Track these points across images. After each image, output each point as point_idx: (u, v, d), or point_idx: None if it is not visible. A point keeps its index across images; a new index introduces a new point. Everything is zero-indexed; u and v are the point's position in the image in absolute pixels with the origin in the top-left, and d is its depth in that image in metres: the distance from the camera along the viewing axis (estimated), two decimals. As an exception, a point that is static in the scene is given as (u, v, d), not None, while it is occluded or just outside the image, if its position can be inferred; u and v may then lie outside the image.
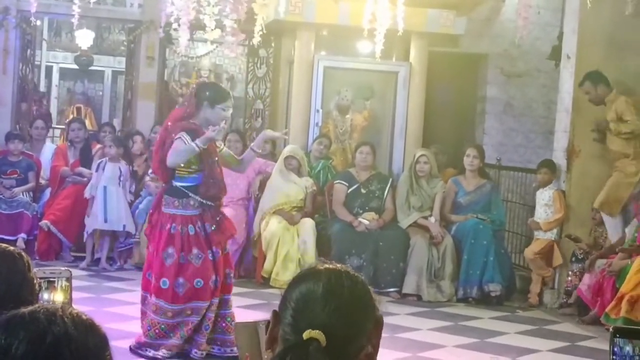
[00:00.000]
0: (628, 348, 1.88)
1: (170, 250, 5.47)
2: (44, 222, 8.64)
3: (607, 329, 6.40)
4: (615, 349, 1.88)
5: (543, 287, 8.32)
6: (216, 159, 5.59)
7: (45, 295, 2.25)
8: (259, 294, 7.68)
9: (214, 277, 5.49)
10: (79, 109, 16.03)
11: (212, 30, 7.30)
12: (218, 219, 5.55)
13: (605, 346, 2.36)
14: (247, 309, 6.82)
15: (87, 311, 1.51)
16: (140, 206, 8.65)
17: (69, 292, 2.31)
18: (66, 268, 2.40)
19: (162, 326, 5.48)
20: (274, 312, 1.73)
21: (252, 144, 6.03)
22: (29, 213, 8.79)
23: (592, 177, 8.13)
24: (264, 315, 1.79)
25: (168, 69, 13.41)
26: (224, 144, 5.97)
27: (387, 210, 8.53)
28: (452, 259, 8.25)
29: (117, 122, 12.54)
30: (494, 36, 10.66)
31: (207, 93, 5.59)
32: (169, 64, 13.72)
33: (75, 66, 15.89)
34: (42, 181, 9.34)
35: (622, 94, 7.85)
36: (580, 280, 7.71)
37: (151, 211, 5.80)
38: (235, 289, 7.52)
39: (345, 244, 8.24)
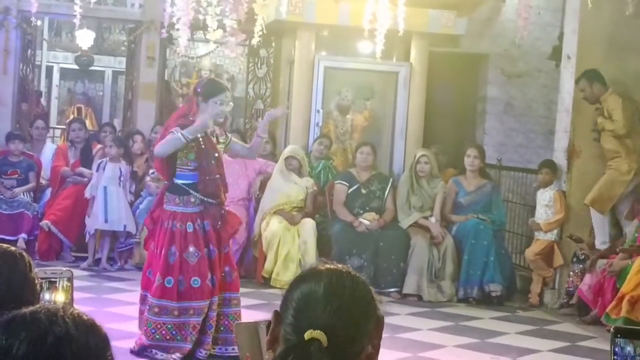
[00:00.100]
0: (629, 348, 1.88)
1: (173, 248, 5.47)
2: (45, 222, 8.64)
3: (608, 329, 6.40)
4: (616, 349, 1.88)
5: (543, 287, 8.32)
6: (216, 155, 5.56)
7: (46, 296, 2.25)
8: (260, 294, 7.68)
9: (209, 276, 5.48)
10: (79, 109, 16.03)
11: (214, 30, 7.29)
12: (221, 216, 5.54)
13: (606, 346, 2.36)
14: (247, 309, 6.81)
15: (87, 311, 1.51)
16: (141, 206, 8.65)
17: (71, 292, 2.31)
18: (67, 268, 2.40)
19: (169, 326, 5.45)
20: (275, 312, 1.73)
21: (257, 130, 5.99)
22: (30, 213, 8.80)
23: (592, 177, 8.12)
24: (264, 315, 1.79)
25: (168, 69, 13.41)
26: (229, 137, 5.88)
27: (388, 211, 8.53)
28: (453, 259, 8.25)
29: (117, 122, 12.54)
30: (494, 36, 10.66)
31: (202, 89, 5.63)
32: (170, 64, 13.73)
33: (75, 66, 15.88)
34: (43, 181, 9.34)
35: (621, 94, 7.84)
36: (581, 280, 7.71)
37: (153, 208, 5.83)
38: (239, 293, 7.56)
39: (345, 244, 8.24)
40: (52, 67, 16.38)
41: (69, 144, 9.44)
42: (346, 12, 8.84)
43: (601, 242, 7.94)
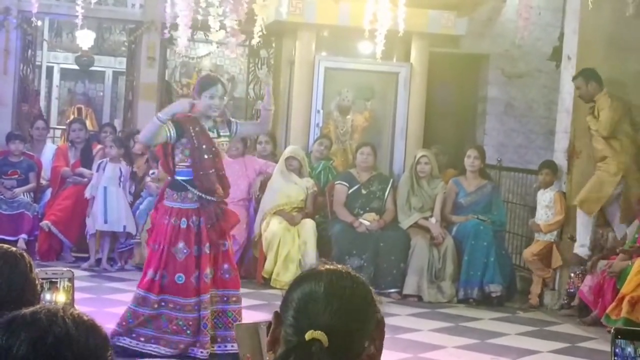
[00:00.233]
0: (629, 349, 1.88)
1: (163, 243, 5.51)
2: (45, 223, 8.64)
3: (608, 330, 6.41)
4: (617, 350, 1.88)
5: (544, 288, 8.32)
6: (213, 149, 5.55)
7: (47, 296, 2.25)
8: (260, 294, 7.68)
9: (196, 273, 5.49)
10: (79, 110, 16.04)
11: (216, 31, 7.29)
12: (216, 215, 5.54)
13: (606, 347, 2.36)
14: (247, 309, 6.80)
15: (88, 312, 1.51)
16: (141, 207, 8.65)
17: (71, 292, 2.31)
18: (68, 269, 2.40)
19: (146, 317, 5.51)
20: (276, 313, 1.73)
21: (263, 104, 5.95)
22: (30, 213, 8.80)
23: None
24: (264, 315, 1.80)
25: (169, 69, 13.43)
26: (234, 128, 5.83)
27: (388, 211, 8.53)
28: (453, 260, 8.25)
29: (117, 123, 12.54)
30: (494, 37, 10.66)
31: (197, 84, 5.75)
32: (170, 64, 13.74)
33: (76, 67, 15.89)
34: (43, 182, 9.34)
35: (613, 95, 7.80)
36: (582, 281, 7.71)
37: (156, 202, 5.92)
38: (240, 291, 7.56)
39: (345, 245, 8.24)
40: (52, 67, 16.39)
41: (69, 144, 9.44)
42: (346, 13, 8.84)
43: (580, 245, 7.91)
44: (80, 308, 1.57)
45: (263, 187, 8.60)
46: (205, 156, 5.52)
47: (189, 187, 5.51)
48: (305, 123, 9.12)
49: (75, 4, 7.70)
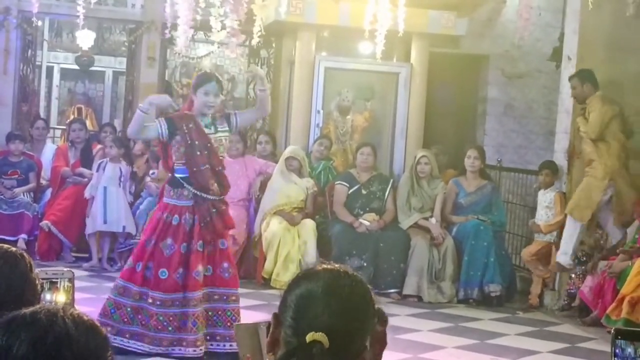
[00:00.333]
0: (629, 350, 1.88)
1: (153, 237, 5.56)
2: (45, 223, 8.64)
3: (608, 331, 6.41)
4: (617, 351, 1.88)
5: (543, 288, 8.32)
6: (208, 145, 5.56)
7: (47, 296, 2.25)
8: (260, 294, 7.68)
9: (181, 271, 5.50)
10: (79, 110, 16.03)
11: (218, 31, 7.30)
12: (210, 214, 5.54)
13: (606, 348, 2.36)
14: (247, 309, 6.81)
15: (88, 312, 1.51)
16: (141, 207, 8.65)
17: (72, 293, 2.31)
18: (69, 269, 2.40)
19: (128, 309, 5.53)
20: (275, 314, 1.73)
21: (257, 88, 5.91)
22: (30, 213, 8.80)
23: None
24: (264, 315, 1.79)
25: (169, 69, 13.42)
26: (233, 122, 5.81)
27: (388, 211, 8.53)
28: (453, 260, 8.25)
29: (117, 123, 12.53)
30: (495, 37, 10.66)
31: (193, 81, 5.79)
32: (170, 64, 13.74)
33: (76, 66, 15.89)
34: (43, 181, 9.34)
35: (605, 98, 7.74)
36: (582, 282, 7.71)
37: (157, 202, 6.01)
38: (238, 290, 7.54)
39: (345, 245, 8.24)
40: (52, 67, 16.38)
41: (69, 144, 9.44)
42: (346, 13, 8.83)
43: (563, 252, 7.84)
44: (80, 308, 1.57)
45: (263, 187, 8.60)
46: (198, 152, 5.54)
47: (185, 184, 5.55)
48: (305, 123, 9.12)
49: (75, 4, 7.70)
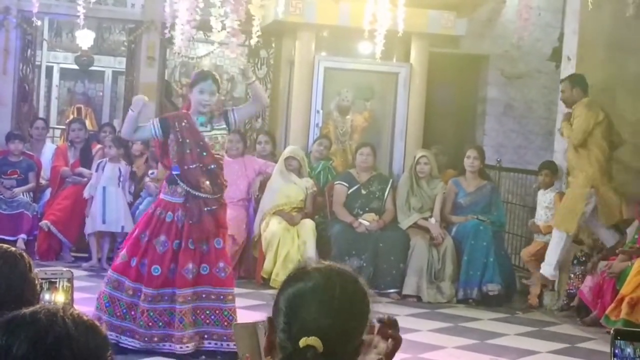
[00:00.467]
0: (629, 350, 1.88)
1: (147, 232, 5.57)
2: (44, 222, 8.65)
3: (607, 331, 6.41)
4: (616, 351, 1.88)
5: (543, 288, 8.31)
6: (201, 143, 5.57)
7: (46, 296, 2.25)
8: (259, 294, 7.67)
9: (172, 267, 5.52)
10: (79, 109, 16.03)
11: (218, 32, 7.29)
12: (201, 212, 5.54)
13: (606, 348, 2.37)
14: (247, 309, 6.82)
15: (87, 312, 1.51)
16: (141, 207, 8.64)
17: (71, 293, 2.31)
18: (68, 269, 2.39)
19: (122, 303, 5.55)
20: (269, 318, 1.72)
21: (247, 81, 5.96)
22: (29, 213, 8.80)
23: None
24: (263, 315, 1.79)
25: (168, 69, 13.42)
26: (231, 120, 5.80)
27: (388, 211, 8.53)
28: (452, 260, 8.25)
29: (117, 123, 12.52)
30: (494, 37, 10.66)
31: (190, 80, 5.86)
32: (170, 64, 13.74)
33: (75, 66, 15.87)
34: (43, 181, 9.34)
35: (591, 104, 7.68)
36: (581, 282, 7.71)
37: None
38: (235, 290, 7.52)
39: (345, 245, 8.24)
40: (52, 67, 16.38)
41: (69, 144, 9.44)
42: (346, 13, 8.83)
43: (547, 263, 7.78)
44: (79, 308, 1.57)
45: (262, 187, 8.60)
46: (188, 151, 5.57)
47: (179, 181, 5.59)
48: (304, 123, 9.12)
49: (75, 3, 7.69)
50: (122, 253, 5.69)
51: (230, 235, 6.54)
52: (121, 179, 8.54)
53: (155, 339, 5.54)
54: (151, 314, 5.52)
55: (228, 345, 5.50)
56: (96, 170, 8.60)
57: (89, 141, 9.44)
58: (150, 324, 5.52)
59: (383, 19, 7.21)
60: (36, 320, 1.43)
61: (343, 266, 1.77)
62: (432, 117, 9.83)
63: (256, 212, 8.50)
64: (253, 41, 8.05)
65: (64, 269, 2.36)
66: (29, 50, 10.60)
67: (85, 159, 9.11)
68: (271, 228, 8.21)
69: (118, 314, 5.55)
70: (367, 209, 8.51)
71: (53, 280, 2.29)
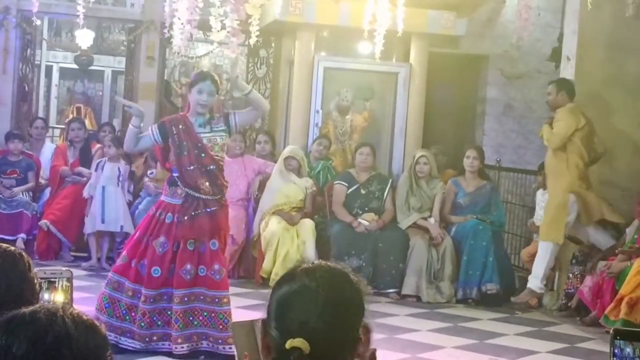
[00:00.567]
0: (628, 350, 1.88)
1: (147, 233, 5.59)
2: (44, 222, 8.65)
3: (607, 331, 6.41)
4: (616, 351, 1.88)
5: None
6: (199, 145, 5.57)
7: (45, 296, 2.25)
8: (258, 294, 7.67)
9: (171, 267, 5.52)
10: (78, 109, 16.02)
11: (218, 31, 7.29)
12: (194, 213, 5.53)
13: (605, 348, 2.37)
14: (246, 309, 6.82)
15: (87, 311, 1.51)
16: (140, 207, 8.64)
17: (70, 292, 2.31)
18: (67, 268, 2.39)
19: (122, 304, 5.55)
20: (262, 321, 1.72)
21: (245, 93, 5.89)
22: (29, 213, 8.80)
23: (591, 178, 8.11)
24: (262, 315, 1.78)
25: (168, 69, 13.41)
26: (232, 122, 5.77)
27: (387, 211, 8.53)
28: (452, 260, 8.26)
29: (116, 122, 12.54)
30: (494, 37, 10.66)
31: (190, 80, 5.85)
32: (169, 64, 13.73)
33: (75, 66, 15.86)
34: (42, 181, 9.34)
35: (574, 110, 7.62)
36: (581, 282, 7.71)
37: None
38: (234, 289, 7.53)
39: (344, 245, 8.24)
40: (51, 66, 16.37)
41: (68, 143, 9.44)
42: (346, 13, 8.83)
43: (534, 276, 7.72)
44: (79, 307, 1.56)
45: (262, 186, 8.60)
46: (185, 153, 5.58)
47: (179, 183, 5.59)
48: (304, 123, 9.12)
49: (74, 3, 7.69)
50: (123, 255, 5.71)
51: (230, 235, 6.52)
52: (120, 179, 8.54)
53: (155, 337, 5.56)
54: (151, 314, 5.53)
55: (224, 348, 5.51)
56: (95, 170, 8.60)
57: (88, 141, 9.44)
58: (150, 324, 5.54)
59: (383, 19, 7.20)
60: (36, 319, 1.43)
61: (337, 265, 1.74)
62: (431, 117, 9.84)
63: (255, 212, 8.50)
64: (252, 41, 8.05)
65: (64, 269, 2.36)
66: (29, 50, 10.60)
67: (85, 159, 9.11)
68: (270, 228, 8.21)
69: (118, 314, 5.56)
70: (366, 208, 8.51)
71: (52, 279, 2.29)
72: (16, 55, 10.08)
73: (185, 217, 5.53)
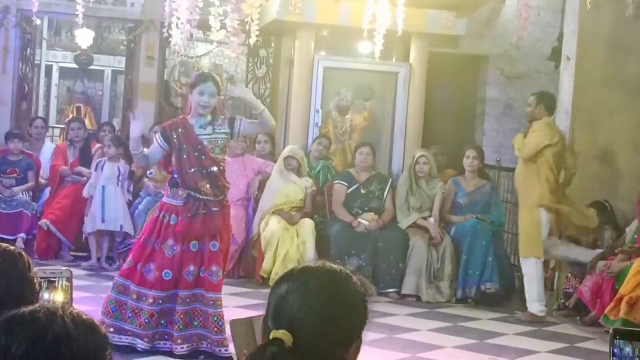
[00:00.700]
0: (628, 349, 1.88)
1: (154, 237, 5.58)
2: (44, 221, 8.64)
3: (606, 331, 6.41)
4: (615, 351, 1.88)
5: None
6: (199, 147, 5.57)
7: (45, 295, 2.25)
8: (258, 293, 7.67)
9: (178, 269, 5.53)
10: (78, 108, 16.02)
11: (217, 31, 7.29)
12: (197, 212, 5.53)
13: (605, 347, 2.37)
14: (246, 308, 6.82)
15: (86, 311, 1.51)
16: (140, 207, 8.65)
17: (70, 291, 2.31)
18: (67, 268, 2.40)
19: (128, 307, 5.55)
20: (263, 319, 1.72)
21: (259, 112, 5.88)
22: (29, 212, 8.80)
23: (591, 178, 8.12)
24: (262, 314, 1.79)
25: (168, 68, 13.41)
26: (236, 127, 5.76)
27: (387, 211, 8.53)
28: (451, 260, 8.26)
29: (116, 122, 12.54)
30: (494, 37, 10.66)
31: (191, 81, 5.86)
32: (169, 63, 13.73)
33: (75, 65, 15.86)
34: (42, 180, 9.34)
35: (550, 125, 7.52)
36: (579, 282, 7.71)
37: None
38: (234, 289, 7.55)
39: (344, 245, 8.24)
40: (51, 66, 16.36)
41: (68, 143, 9.44)
42: (346, 12, 8.83)
43: (533, 300, 7.52)
44: (78, 307, 1.56)
45: (262, 186, 8.59)
46: (185, 156, 5.58)
47: (181, 184, 5.60)
48: (304, 123, 9.12)
49: (74, 2, 7.69)
50: (129, 259, 5.70)
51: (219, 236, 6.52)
52: (120, 178, 8.54)
53: (157, 336, 5.57)
54: (158, 315, 5.54)
55: (220, 350, 5.51)
56: (95, 170, 8.60)
57: (88, 140, 9.45)
58: (156, 324, 5.55)
59: (382, 19, 7.20)
60: (35, 319, 1.43)
61: (341, 268, 1.73)
62: (431, 116, 9.84)
63: (255, 212, 8.50)
64: (252, 40, 8.05)
65: (63, 268, 2.36)
66: (29, 49, 10.60)
67: (85, 158, 9.11)
68: (270, 227, 8.21)
69: (125, 317, 5.56)
70: (366, 208, 8.51)
71: (52, 279, 2.29)
72: (16, 54, 10.08)
73: (186, 217, 5.53)
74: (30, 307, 1.47)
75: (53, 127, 14.12)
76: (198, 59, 14.53)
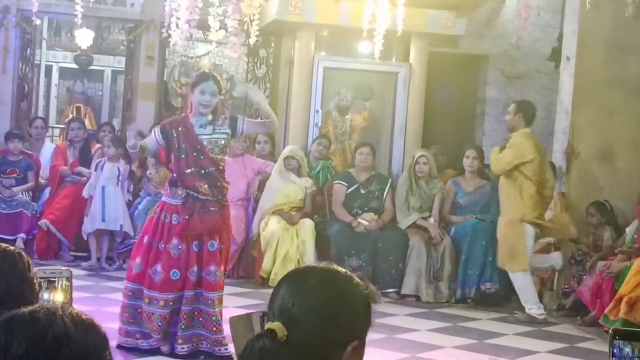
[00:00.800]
0: (627, 349, 1.88)
1: (157, 238, 5.57)
2: (43, 222, 8.65)
3: (606, 331, 6.41)
4: (615, 351, 1.88)
5: (542, 288, 8.31)
6: (198, 147, 5.56)
7: (45, 295, 2.25)
8: (258, 294, 7.68)
9: (185, 268, 5.53)
10: (78, 109, 16.01)
11: (216, 31, 7.29)
12: (194, 212, 5.52)
13: (604, 348, 2.37)
14: (245, 308, 6.82)
15: (86, 311, 1.51)
16: (140, 207, 8.65)
17: (69, 292, 2.31)
18: (66, 268, 2.39)
19: (139, 310, 5.56)
20: (261, 318, 1.73)
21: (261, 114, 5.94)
22: (29, 212, 8.80)
23: (591, 178, 8.12)
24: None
25: (168, 68, 13.41)
26: (238, 127, 5.77)
27: (387, 211, 8.53)
28: (451, 260, 8.26)
29: (116, 122, 12.54)
30: (494, 37, 10.66)
31: (191, 81, 5.86)
32: (169, 63, 13.72)
33: (74, 65, 15.85)
34: (42, 180, 9.34)
35: (530, 138, 7.42)
36: (579, 282, 7.71)
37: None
38: (234, 289, 7.55)
39: (344, 245, 8.24)
40: (51, 66, 16.35)
41: (68, 143, 9.44)
42: (346, 13, 8.84)
43: (531, 305, 7.51)
44: (78, 307, 1.57)
45: (262, 186, 8.60)
46: (183, 156, 5.57)
47: (179, 183, 5.60)
48: (304, 123, 9.12)
49: (74, 2, 7.69)
50: (135, 262, 5.62)
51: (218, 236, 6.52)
52: (120, 178, 8.54)
53: (163, 342, 5.59)
54: (170, 317, 5.54)
55: (219, 350, 5.51)
56: (95, 170, 8.60)
57: (88, 140, 9.45)
58: (166, 326, 5.55)
59: (382, 19, 7.20)
60: (35, 319, 1.43)
61: (345, 271, 1.73)
62: (431, 117, 9.84)
63: (255, 212, 8.51)
64: (252, 40, 8.06)
65: (63, 268, 2.36)
66: (28, 49, 10.60)
67: (85, 158, 9.12)
68: (270, 227, 8.22)
69: (143, 321, 5.56)
70: (366, 208, 8.51)
71: (52, 279, 2.29)
72: (16, 54, 10.08)
73: (186, 217, 5.53)
74: (30, 307, 1.47)
75: (53, 127, 14.12)
76: (198, 59, 14.51)
